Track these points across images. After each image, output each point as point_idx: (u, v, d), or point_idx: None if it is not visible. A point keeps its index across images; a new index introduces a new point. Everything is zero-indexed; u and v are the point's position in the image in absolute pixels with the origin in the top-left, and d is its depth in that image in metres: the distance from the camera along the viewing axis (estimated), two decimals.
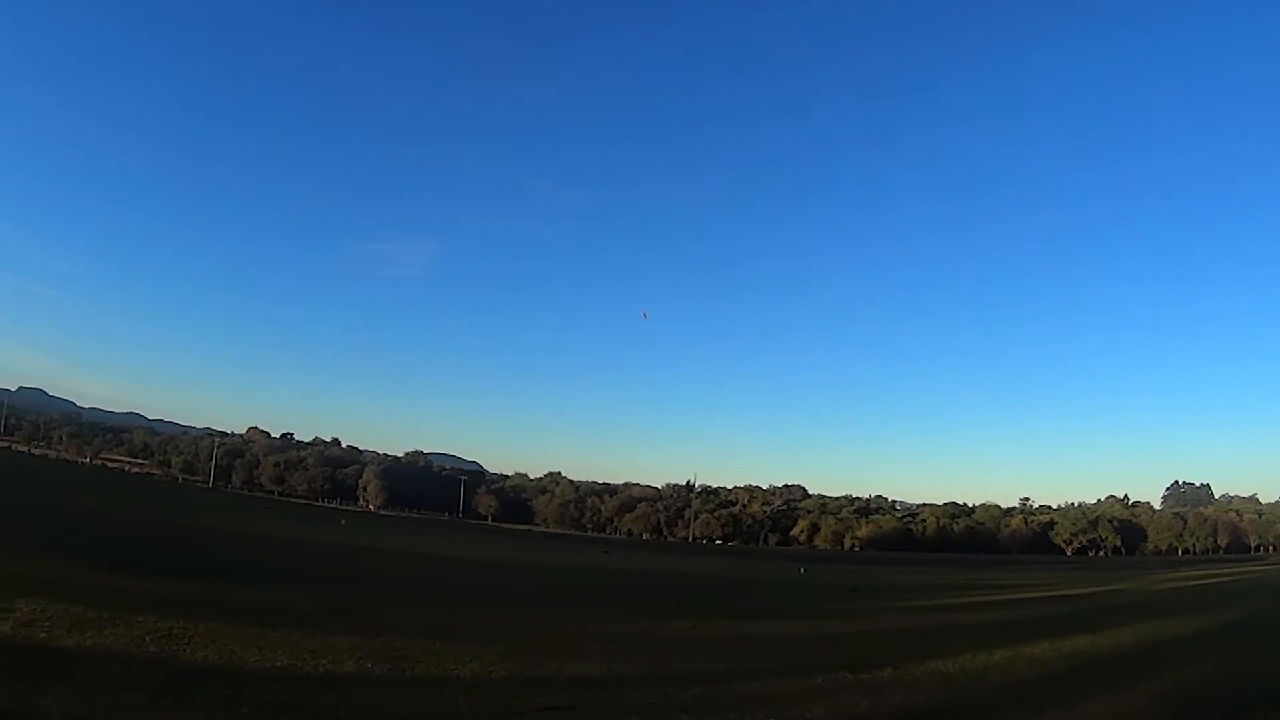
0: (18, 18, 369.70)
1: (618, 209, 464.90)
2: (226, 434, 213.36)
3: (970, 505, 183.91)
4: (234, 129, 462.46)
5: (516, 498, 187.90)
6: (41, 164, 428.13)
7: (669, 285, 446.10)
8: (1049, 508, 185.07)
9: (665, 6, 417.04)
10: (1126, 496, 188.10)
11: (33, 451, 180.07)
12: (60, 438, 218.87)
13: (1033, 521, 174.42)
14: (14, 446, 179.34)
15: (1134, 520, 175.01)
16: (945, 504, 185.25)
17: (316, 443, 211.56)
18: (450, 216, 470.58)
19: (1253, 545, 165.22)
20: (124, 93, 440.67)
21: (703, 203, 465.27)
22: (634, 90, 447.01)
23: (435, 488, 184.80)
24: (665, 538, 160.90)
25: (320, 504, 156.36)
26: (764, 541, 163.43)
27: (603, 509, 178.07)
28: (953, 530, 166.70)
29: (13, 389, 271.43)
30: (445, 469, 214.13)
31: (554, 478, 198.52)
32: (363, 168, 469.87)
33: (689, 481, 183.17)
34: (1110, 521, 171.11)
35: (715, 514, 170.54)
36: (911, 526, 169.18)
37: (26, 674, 8.65)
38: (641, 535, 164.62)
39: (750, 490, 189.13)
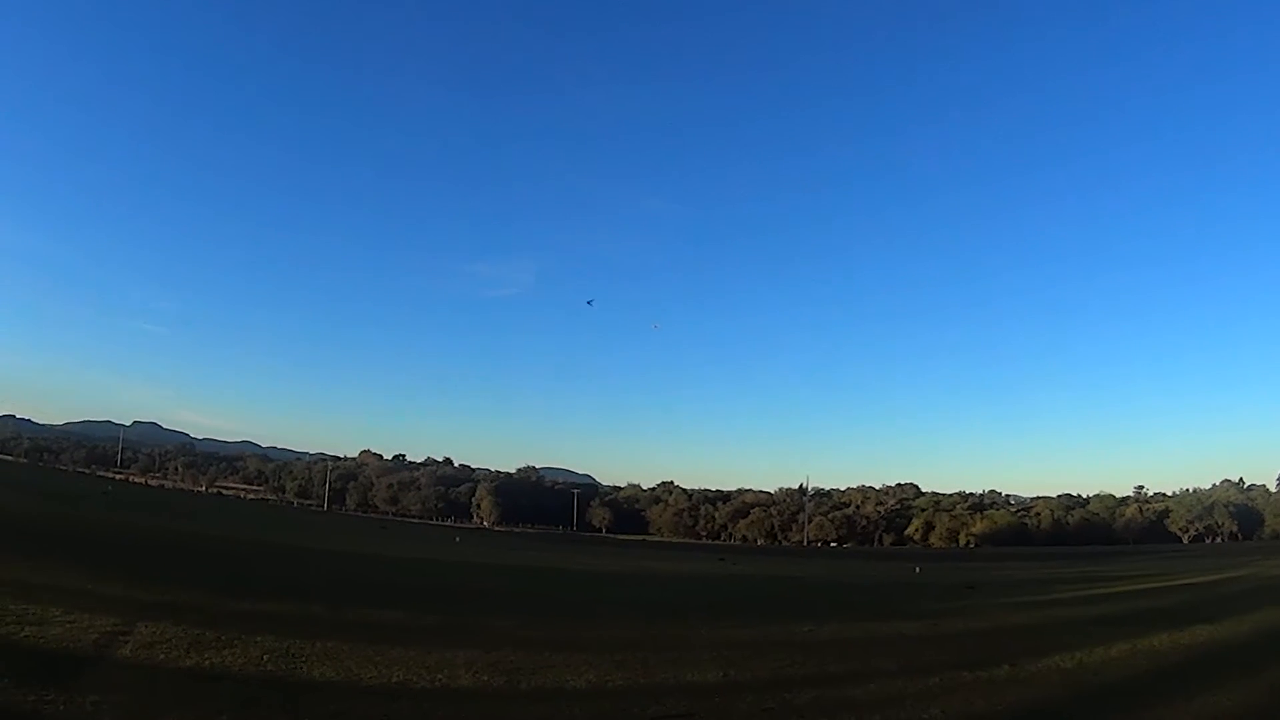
0: (122, 67, 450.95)
1: (714, 217, 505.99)
2: (339, 458, 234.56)
3: (1084, 496, 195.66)
4: (333, 164, 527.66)
5: (630, 508, 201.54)
6: (143, 208, 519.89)
7: (769, 289, 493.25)
8: (1164, 495, 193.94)
9: (760, 23, 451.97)
10: (1242, 480, 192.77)
11: (149, 483, 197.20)
12: (176, 468, 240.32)
13: (1147, 510, 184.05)
14: (131, 478, 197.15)
15: (1250, 504, 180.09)
16: (1059, 496, 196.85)
17: (429, 463, 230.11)
18: (548, 234, 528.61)
19: None
20: (218, 136, 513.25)
21: (799, 206, 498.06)
22: (730, 102, 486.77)
23: (548, 502, 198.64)
24: (780, 542, 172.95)
25: (434, 523, 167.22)
26: (878, 542, 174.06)
27: (716, 516, 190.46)
28: (1067, 523, 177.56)
29: (128, 423, 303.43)
30: (558, 483, 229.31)
31: (667, 487, 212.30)
32: (462, 190, 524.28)
33: (802, 485, 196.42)
34: (1226, 506, 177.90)
35: (829, 516, 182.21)
36: (1026, 521, 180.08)
37: (146, 695, 9.88)
38: (756, 540, 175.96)
39: (863, 491, 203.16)
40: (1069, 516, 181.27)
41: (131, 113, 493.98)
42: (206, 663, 11.93)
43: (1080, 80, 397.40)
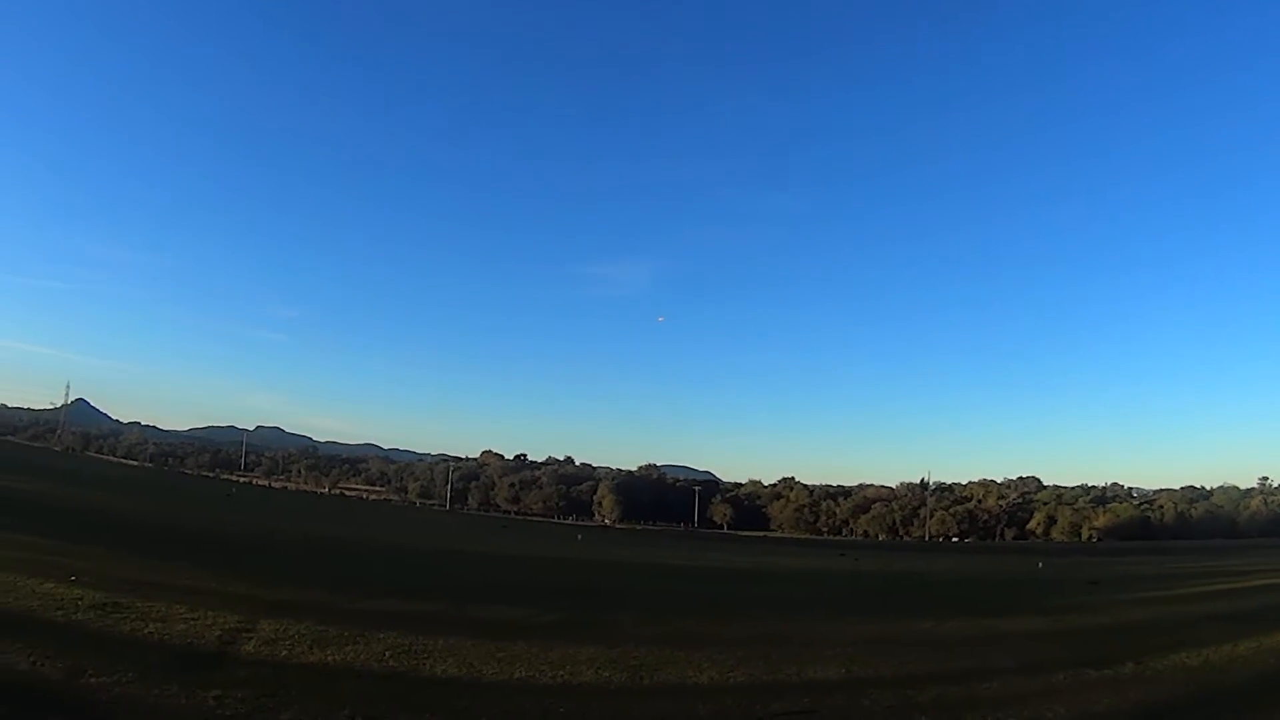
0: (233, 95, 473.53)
1: (829, 209, 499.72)
2: (461, 458, 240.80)
3: (1207, 488, 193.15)
4: (450, 171, 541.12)
5: (751, 505, 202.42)
6: (264, 220, 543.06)
7: (888, 282, 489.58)
8: None
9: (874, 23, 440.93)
10: None
11: (272, 485, 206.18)
12: (299, 470, 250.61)
13: (1272, 502, 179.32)
14: (254, 481, 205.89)
15: None
16: (1182, 488, 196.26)
17: (550, 462, 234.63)
18: (663, 233, 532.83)
19: None
20: (338, 148, 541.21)
21: (917, 194, 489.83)
22: (839, 90, 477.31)
23: (670, 499, 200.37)
24: (901, 537, 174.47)
25: (556, 521, 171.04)
26: (1000, 536, 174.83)
27: (837, 511, 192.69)
28: (1190, 515, 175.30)
29: (251, 428, 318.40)
30: (679, 480, 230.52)
31: (788, 483, 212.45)
32: (578, 195, 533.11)
33: (923, 479, 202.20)
34: None
35: (950, 510, 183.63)
36: (1149, 514, 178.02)
37: (267, 690, 10.12)
38: (877, 536, 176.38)
39: (984, 484, 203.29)
40: (1192, 509, 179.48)
41: (252, 132, 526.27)
42: (329, 659, 12.28)
43: None
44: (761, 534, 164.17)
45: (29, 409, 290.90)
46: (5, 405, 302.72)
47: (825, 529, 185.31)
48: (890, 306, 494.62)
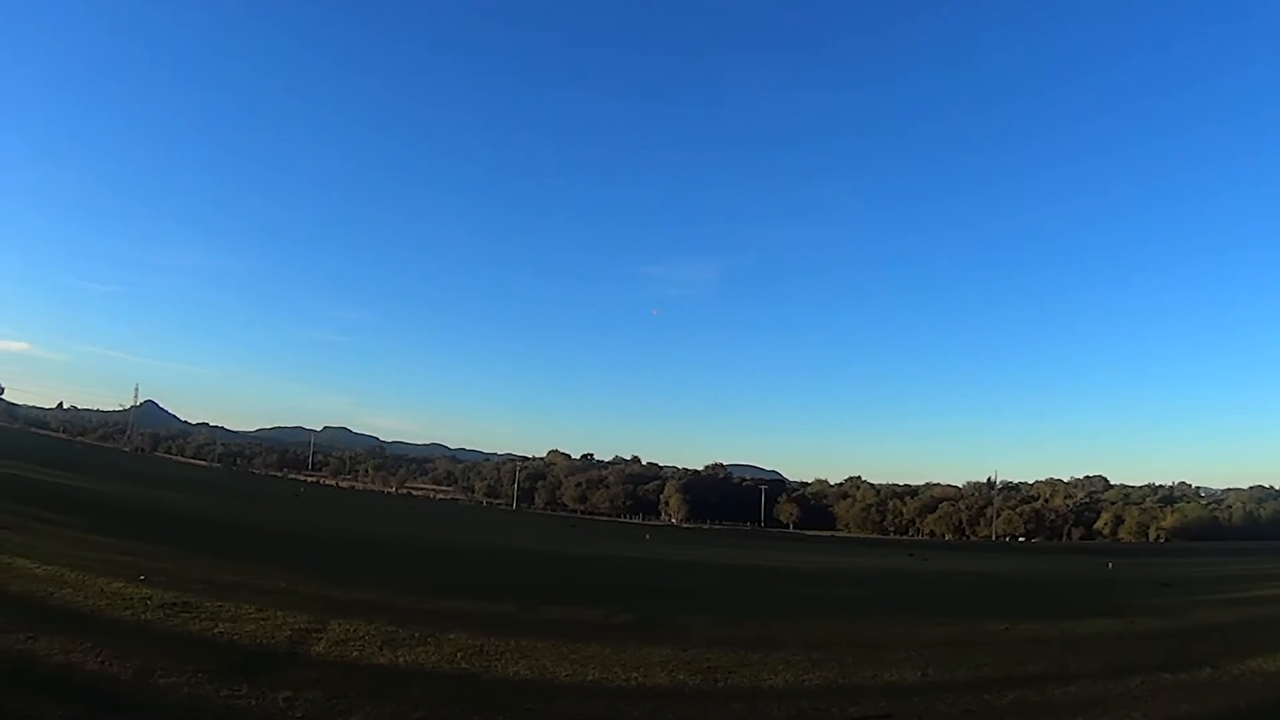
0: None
1: (891, 202, 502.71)
2: (527, 458, 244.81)
3: (1277, 488, 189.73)
4: (512, 170, 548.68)
5: (818, 504, 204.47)
6: (327, 222, 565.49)
7: (955, 278, 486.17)
8: None
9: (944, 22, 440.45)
10: None
11: (340, 484, 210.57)
12: (366, 470, 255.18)
13: None
14: (322, 480, 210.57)
15: None
16: (1251, 488, 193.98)
17: (617, 461, 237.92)
18: (727, 230, 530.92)
19: None
20: (399, 147, 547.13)
21: (981, 184, 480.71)
22: (898, 86, 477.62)
23: (736, 498, 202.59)
24: (968, 537, 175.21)
25: (623, 520, 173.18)
26: (1067, 536, 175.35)
27: (904, 511, 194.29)
28: (1260, 515, 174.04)
29: (318, 429, 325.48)
30: (745, 479, 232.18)
31: (854, 482, 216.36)
32: (643, 194, 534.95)
33: (990, 478, 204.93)
34: None
35: (1017, 510, 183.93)
36: (1217, 514, 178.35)
37: (339, 691, 10.21)
38: (944, 536, 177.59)
39: (1051, 484, 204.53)
40: (1261, 509, 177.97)
41: (316, 128, 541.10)
42: (400, 660, 12.37)
43: None
44: (828, 533, 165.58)
45: (99, 410, 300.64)
46: (76, 407, 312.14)
47: (891, 528, 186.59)
48: (957, 303, 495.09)
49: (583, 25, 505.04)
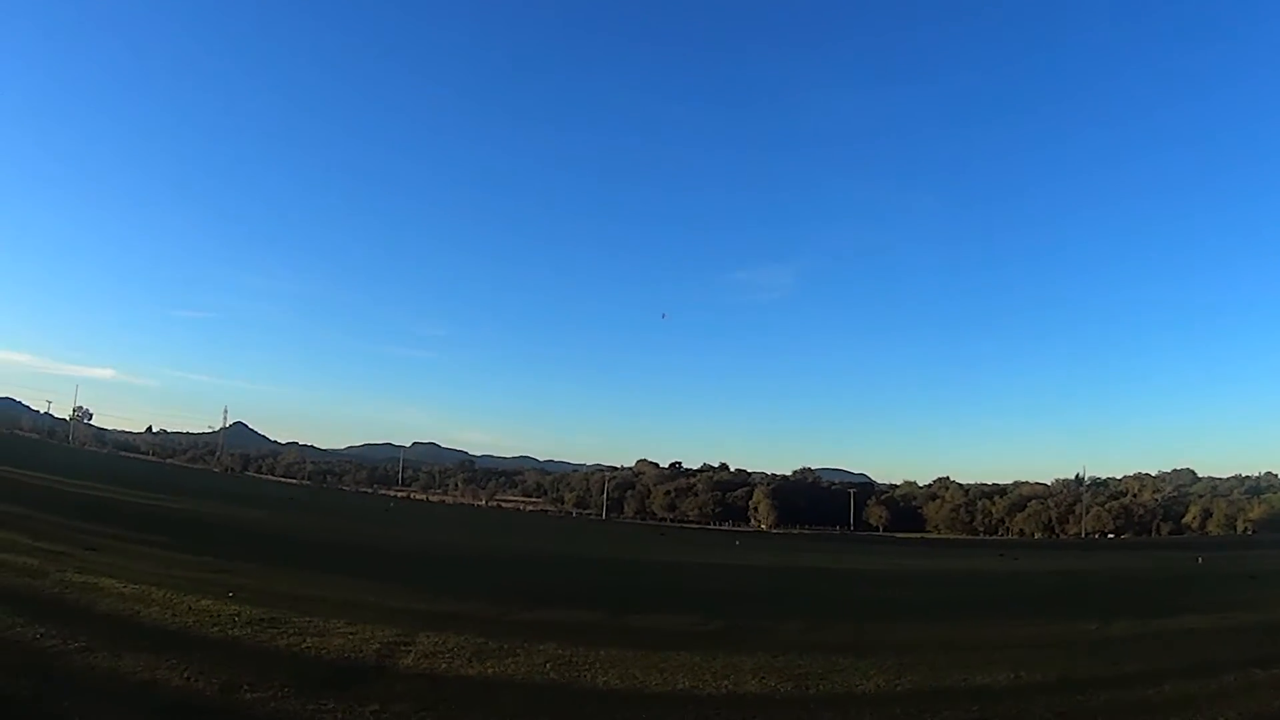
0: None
1: (966, 202, 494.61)
2: (616, 468, 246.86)
3: None
4: (594, 178, 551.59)
5: (906, 506, 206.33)
6: (410, 240, 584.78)
7: (1039, 274, 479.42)
8: None
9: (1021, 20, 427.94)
10: None
11: (430, 499, 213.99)
12: (456, 484, 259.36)
13: None
14: (412, 495, 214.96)
15: None
16: None
17: (705, 469, 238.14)
18: (808, 238, 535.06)
19: None
20: (485, 157, 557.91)
21: (1057, 180, 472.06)
22: (970, 81, 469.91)
23: (825, 502, 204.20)
24: (1057, 535, 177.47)
25: (712, 527, 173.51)
26: (1155, 531, 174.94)
27: (993, 510, 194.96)
28: None
29: (408, 445, 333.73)
30: (834, 483, 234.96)
31: (943, 483, 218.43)
32: (721, 201, 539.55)
33: (1078, 474, 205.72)
34: None
35: (1105, 506, 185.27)
36: None
37: (427, 704, 10.24)
38: (1033, 534, 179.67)
39: (1139, 479, 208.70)
40: None
41: (396, 148, 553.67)
42: (489, 671, 12.46)
43: None
44: (918, 535, 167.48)
45: (188, 433, 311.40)
46: (165, 430, 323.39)
47: (981, 528, 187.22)
48: (1040, 300, 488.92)
49: (659, 34, 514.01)
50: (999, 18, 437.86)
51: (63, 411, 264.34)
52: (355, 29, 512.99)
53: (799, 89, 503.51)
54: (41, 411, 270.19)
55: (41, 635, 11.50)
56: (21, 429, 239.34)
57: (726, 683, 12.55)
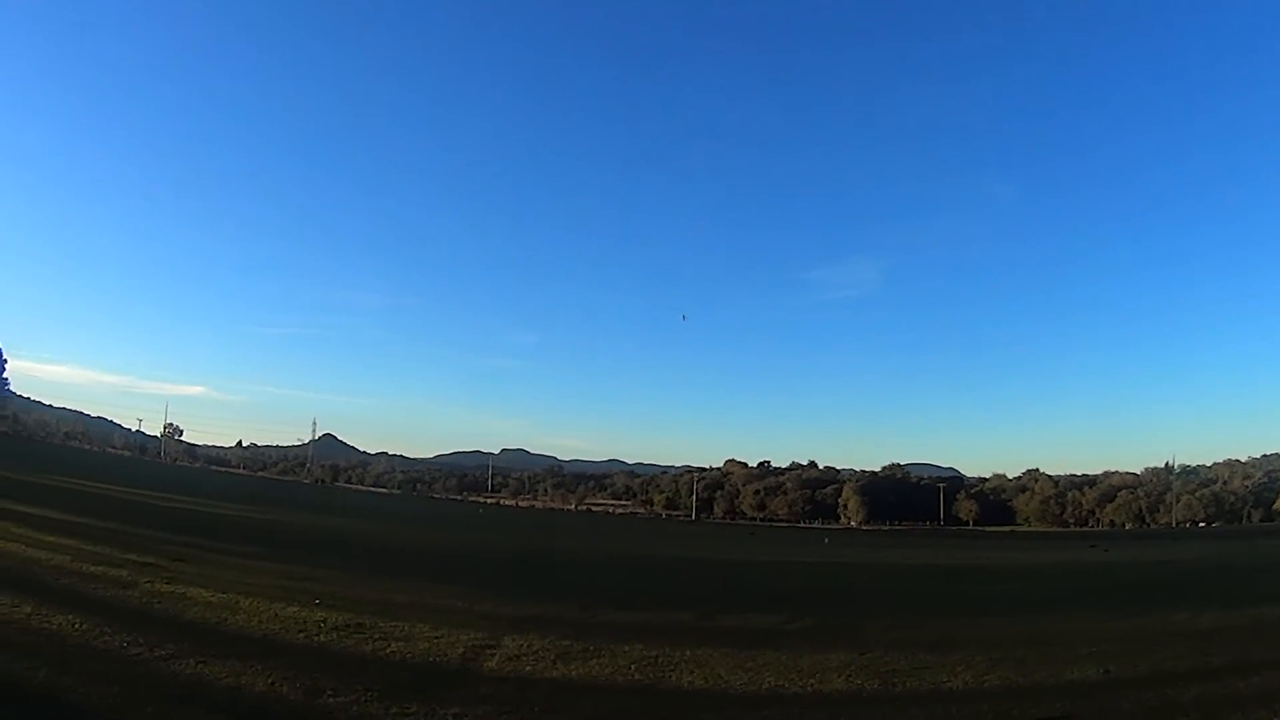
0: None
1: (1048, 192, 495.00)
2: (704, 468, 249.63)
3: None
4: (678, 180, 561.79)
5: (996, 499, 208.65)
6: (493, 247, 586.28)
7: (1119, 265, 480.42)
8: None
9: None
10: None
11: (519, 504, 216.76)
12: (545, 489, 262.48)
13: None
14: (501, 501, 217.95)
15: None
16: None
17: (793, 467, 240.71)
18: (890, 233, 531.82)
19: None
20: (561, 161, 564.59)
21: (1151, 172, 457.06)
22: (1052, 74, 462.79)
23: (914, 498, 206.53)
24: (1147, 525, 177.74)
25: (802, 525, 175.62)
26: (1247, 519, 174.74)
27: (1083, 502, 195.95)
28: None
29: (496, 452, 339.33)
30: (923, 478, 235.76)
31: (1032, 475, 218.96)
32: (797, 198, 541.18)
33: (1167, 463, 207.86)
34: None
35: (1196, 494, 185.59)
36: None
37: (509, 705, 10.38)
38: (1124, 525, 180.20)
39: (1230, 465, 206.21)
40: None
41: (477, 156, 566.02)
42: (573, 673, 12.61)
43: None
44: (1008, 529, 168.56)
45: (278, 446, 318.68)
46: (256, 444, 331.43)
47: (1071, 520, 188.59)
48: (1126, 286, 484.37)
49: (733, 33, 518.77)
50: (1081, 5, 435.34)
51: (154, 429, 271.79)
52: (443, 42, 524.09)
53: (876, 84, 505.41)
54: (133, 430, 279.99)
55: (128, 644, 11.84)
56: (114, 446, 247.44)
57: (813, 681, 12.61)
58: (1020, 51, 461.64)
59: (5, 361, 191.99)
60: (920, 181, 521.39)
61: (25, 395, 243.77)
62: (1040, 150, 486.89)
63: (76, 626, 12.62)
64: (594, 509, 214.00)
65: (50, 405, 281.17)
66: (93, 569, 18.79)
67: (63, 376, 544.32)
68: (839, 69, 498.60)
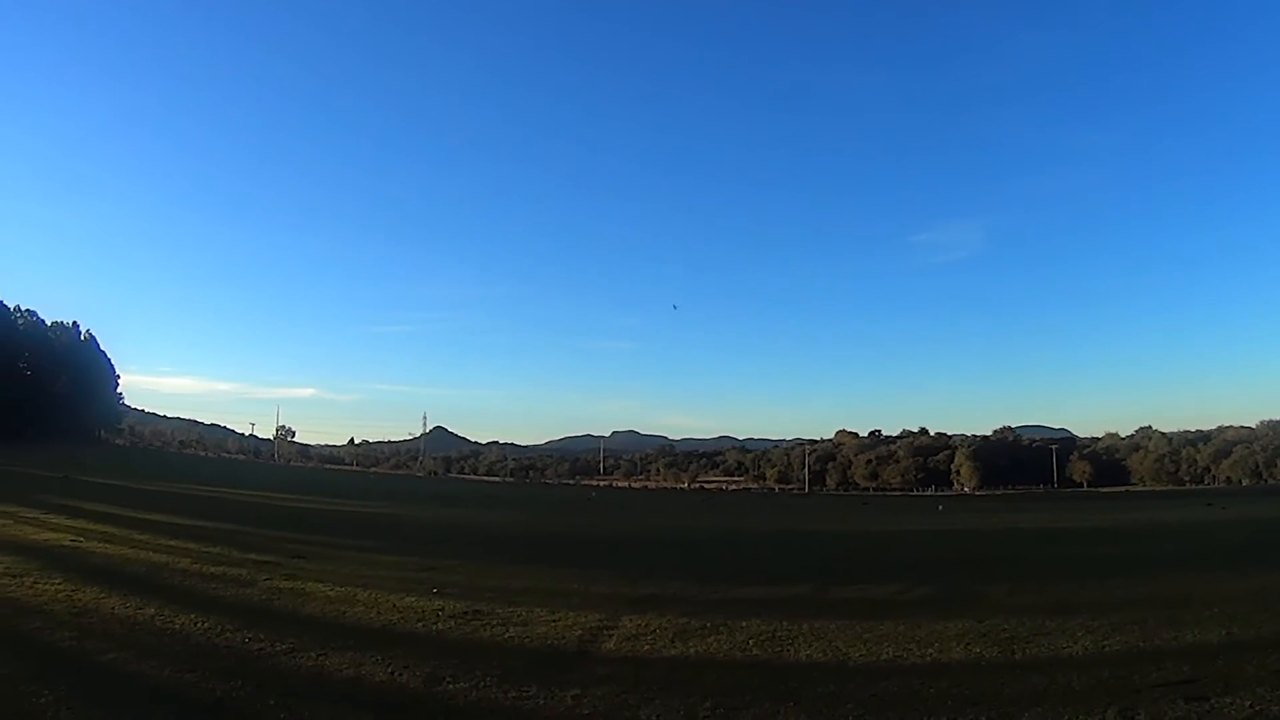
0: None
1: (1154, 141, 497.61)
2: (816, 440, 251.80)
3: None
4: (773, 150, 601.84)
5: (1109, 459, 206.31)
6: (592, 238, 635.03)
7: (1231, 216, 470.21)
8: None
9: None
10: None
11: (632, 485, 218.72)
12: (657, 469, 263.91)
13: None
14: (614, 484, 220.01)
15: None
16: None
17: (904, 435, 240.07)
18: (988, 189, 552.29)
19: None
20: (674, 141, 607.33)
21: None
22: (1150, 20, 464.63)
23: (1027, 461, 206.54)
24: (1265, 480, 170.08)
25: (915, 494, 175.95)
26: None
27: (1198, 459, 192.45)
28: None
29: (607, 434, 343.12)
30: (1035, 440, 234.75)
31: (1145, 433, 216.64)
32: (900, 161, 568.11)
33: None
34: None
35: None
36: None
37: (629, 686, 10.46)
38: (1240, 481, 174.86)
39: None
40: None
41: (577, 149, 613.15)
42: (691, 651, 12.70)
43: None
44: (1123, 489, 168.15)
45: (389, 442, 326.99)
46: (368, 441, 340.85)
47: (1187, 478, 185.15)
48: (1234, 236, 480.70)
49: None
50: None
51: (266, 432, 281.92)
52: (536, 31, 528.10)
53: (978, 37, 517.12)
54: (246, 434, 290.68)
55: (250, 639, 12.26)
56: (228, 451, 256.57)
57: (932, 651, 12.62)
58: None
59: (119, 377, 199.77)
60: (1018, 138, 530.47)
61: (139, 408, 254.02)
62: (1143, 96, 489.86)
63: (199, 625, 13.12)
64: (706, 486, 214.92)
65: (164, 416, 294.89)
66: (213, 569, 19.54)
67: (179, 388, 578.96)
68: (932, 28, 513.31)
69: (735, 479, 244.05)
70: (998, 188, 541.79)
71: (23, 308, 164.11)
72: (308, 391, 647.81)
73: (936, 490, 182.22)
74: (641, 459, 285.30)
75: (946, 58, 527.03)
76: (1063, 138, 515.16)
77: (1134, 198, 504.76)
